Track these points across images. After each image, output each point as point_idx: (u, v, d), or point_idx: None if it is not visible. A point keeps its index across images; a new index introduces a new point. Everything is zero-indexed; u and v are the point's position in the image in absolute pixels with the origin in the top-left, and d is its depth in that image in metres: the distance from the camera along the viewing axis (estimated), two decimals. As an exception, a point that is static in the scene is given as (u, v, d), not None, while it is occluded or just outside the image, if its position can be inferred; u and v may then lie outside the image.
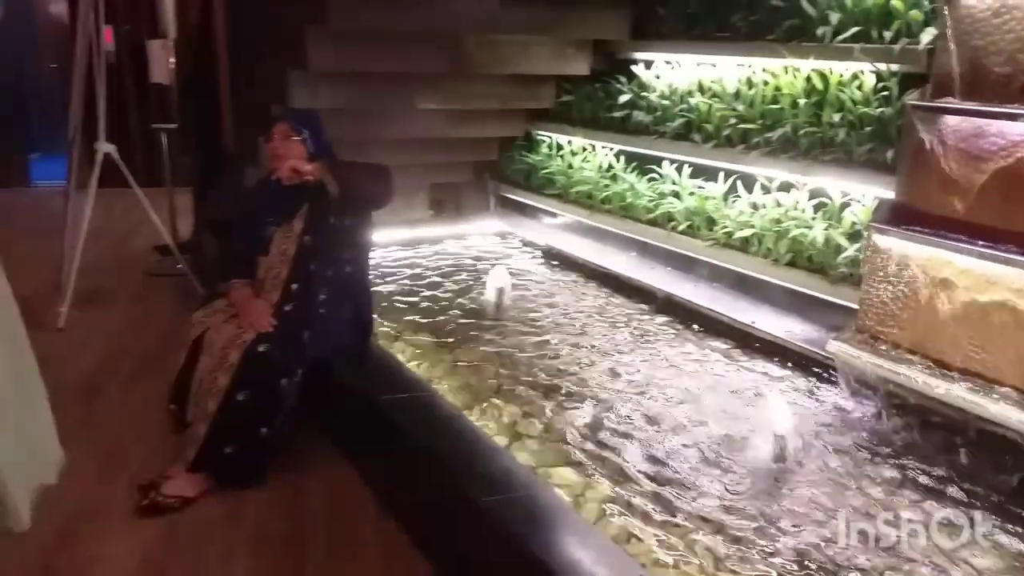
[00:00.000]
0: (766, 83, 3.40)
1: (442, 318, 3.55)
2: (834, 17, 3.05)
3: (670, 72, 3.92)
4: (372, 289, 3.06)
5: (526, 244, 4.73)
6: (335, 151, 2.83)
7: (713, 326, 3.35)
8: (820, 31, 3.08)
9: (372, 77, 3.71)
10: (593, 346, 3.27)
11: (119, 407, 3.06)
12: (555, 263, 4.39)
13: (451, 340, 3.31)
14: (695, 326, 3.42)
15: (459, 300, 3.79)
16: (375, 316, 3.05)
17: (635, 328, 3.46)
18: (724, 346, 3.24)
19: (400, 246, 4.57)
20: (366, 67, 3.56)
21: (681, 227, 3.64)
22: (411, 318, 3.54)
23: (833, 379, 2.78)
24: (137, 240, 5.38)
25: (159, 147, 4.87)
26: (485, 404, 2.73)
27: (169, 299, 4.35)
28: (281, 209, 2.76)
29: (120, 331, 3.87)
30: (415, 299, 3.81)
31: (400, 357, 3.04)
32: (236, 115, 4.33)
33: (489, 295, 3.66)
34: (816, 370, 2.92)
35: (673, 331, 3.42)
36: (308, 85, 3.50)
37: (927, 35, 2.76)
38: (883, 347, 2.63)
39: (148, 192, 4.36)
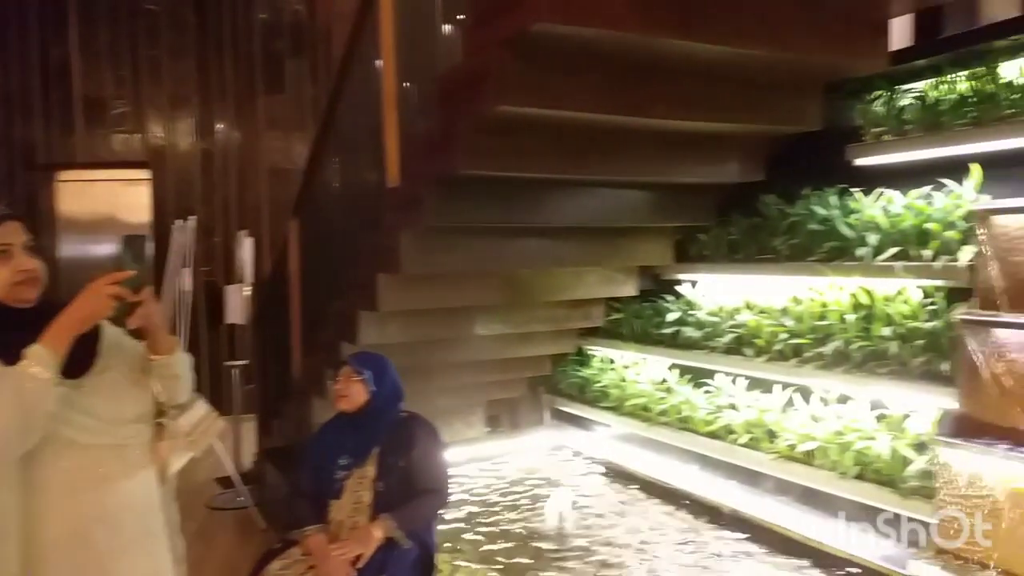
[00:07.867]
0: (812, 300, 3.55)
1: (503, 545, 3.53)
2: (872, 238, 3.23)
3: (716, 291, 4.12)
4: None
5: (582, 456, 4.75)
6: (401, 383, 3.00)
7: (785, 544, 3.29)
8: (860, 251, 3.26)
9: (435, 311, 3.96)
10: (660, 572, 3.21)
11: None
12: (613, 477, 4.39)
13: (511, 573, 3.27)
14: (766, 544, 3.36)
15: (519, 525, 3.77)
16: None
17: (702, 548, 3.40)
18: (801, 563, 3.17)
19: (456, 465, 4.61)
20: (431, 304, 3.81)
21: (742, 439, 3.67)
22: (471, 543, 3.52)
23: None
24: (199, 471, 5.46)
25: (227, 380, 5.13)
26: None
27: (231, 534, 4.37)
28: (351, 450, 2.87)
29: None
30: (475, 524, 3.81)
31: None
32: (304, 349, 4.58)
33: (550, 519, 3.65)
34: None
35: (744, 552, 3.36)
36: (376, 323, 3.74)
37: (966, 252, 2.90)
38: (967, 564, 2.56)
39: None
